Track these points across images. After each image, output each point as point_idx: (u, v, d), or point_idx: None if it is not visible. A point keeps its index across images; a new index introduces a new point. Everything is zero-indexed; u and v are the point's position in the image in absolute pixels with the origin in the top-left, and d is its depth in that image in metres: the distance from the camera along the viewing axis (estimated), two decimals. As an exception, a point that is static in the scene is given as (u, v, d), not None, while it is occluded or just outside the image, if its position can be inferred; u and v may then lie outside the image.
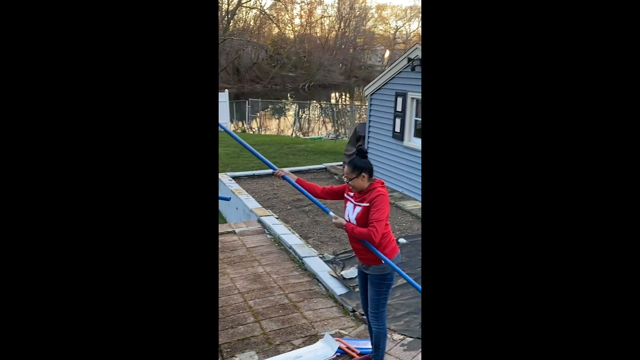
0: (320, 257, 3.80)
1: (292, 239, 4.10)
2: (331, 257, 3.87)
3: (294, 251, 3.87)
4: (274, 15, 30.89)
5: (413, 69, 5.38)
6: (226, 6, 25.17)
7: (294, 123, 17.88)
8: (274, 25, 31.44)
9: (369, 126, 6.61)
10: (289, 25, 33.64)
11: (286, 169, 2.58)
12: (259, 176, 7.24)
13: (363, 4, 33.66)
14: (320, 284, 3.38)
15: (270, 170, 8.26)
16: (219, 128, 2.73)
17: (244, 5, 26.45)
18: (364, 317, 2.60)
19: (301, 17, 34.63)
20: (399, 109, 5.84)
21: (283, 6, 30.84)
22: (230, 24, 26.58)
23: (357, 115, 15.71)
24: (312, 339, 2.67)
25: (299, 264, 3.72)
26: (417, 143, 5.65)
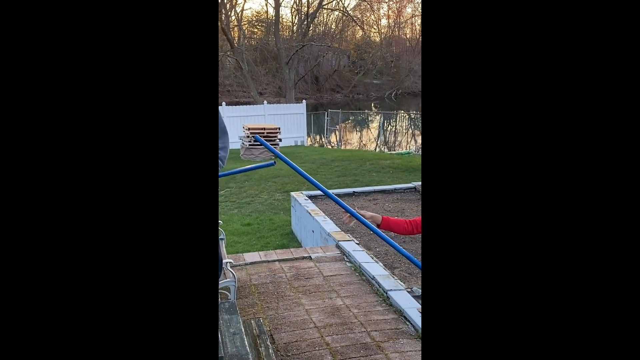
0: (409, 291, 3.71)
1: (376, 269, 4.06)
2: (421, 291, 3.78)
3: (378, 283, 3.83)
4: (358, 16, 31.43)
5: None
6: (305, 9, 26.14)
7: (378, 136, 17.89)
8: (358, 27, 31.98)
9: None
10: (375, 27, 34.03)
11: (368, 212, 2.31)
12: (339, 196, 7.30)
13: (460, 0, 33.04)
14: (408, 323, 3.30)
15: (350, 190, 8.30)
16: (274, 154, 2.75)
17: (325, 7, 27.28)
18: None
19: (389, 17, 34.90)
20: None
21: (368, 6, 31.31)
22: (310, 29, 27.51)
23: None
24: (398, 386, 2.60)
25: (384, 298, 3.67)
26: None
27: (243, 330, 2.82)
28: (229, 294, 3.38)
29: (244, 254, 4.75)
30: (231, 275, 3.37)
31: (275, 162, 2.48)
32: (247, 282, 4.01)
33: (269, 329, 3.19)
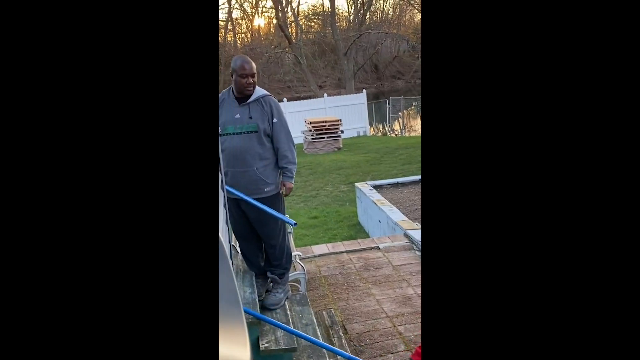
0: (482, 279, 3.61)
1: (446, 257, 3.98)
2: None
3: (449, 271, 3.76)
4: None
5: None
6: (361, -3, 25.89)
7: (443, 121, 17.40)
8: (416, 10, 31.20)
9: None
10: (433, 8, 32.96)
11: None
12: (404, 184, 7.21)
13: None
14: (482, 311, 3.22)
15: (416, 178, 8.06)
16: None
17: (381, -7, 26.86)
18: None
19: (447, -3, 33.71)
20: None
21: (425, -12, 30.41)
22: (367, 17, 27.23)
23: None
24: (476, 376, 2.55)
25: (456, 286, 3.60)
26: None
27: (315, 321, 2.87)
28: (299, 286, 3.45)
29: (312, 246, 4.83)
30: (300, 267, 3.44)
31: (296, 223, 2.73)
32: (317, 274, 4.07)
33: (341, 320, 3.22)
